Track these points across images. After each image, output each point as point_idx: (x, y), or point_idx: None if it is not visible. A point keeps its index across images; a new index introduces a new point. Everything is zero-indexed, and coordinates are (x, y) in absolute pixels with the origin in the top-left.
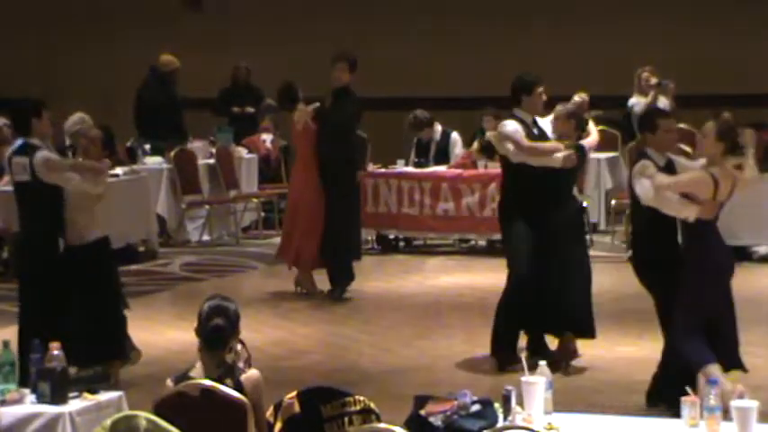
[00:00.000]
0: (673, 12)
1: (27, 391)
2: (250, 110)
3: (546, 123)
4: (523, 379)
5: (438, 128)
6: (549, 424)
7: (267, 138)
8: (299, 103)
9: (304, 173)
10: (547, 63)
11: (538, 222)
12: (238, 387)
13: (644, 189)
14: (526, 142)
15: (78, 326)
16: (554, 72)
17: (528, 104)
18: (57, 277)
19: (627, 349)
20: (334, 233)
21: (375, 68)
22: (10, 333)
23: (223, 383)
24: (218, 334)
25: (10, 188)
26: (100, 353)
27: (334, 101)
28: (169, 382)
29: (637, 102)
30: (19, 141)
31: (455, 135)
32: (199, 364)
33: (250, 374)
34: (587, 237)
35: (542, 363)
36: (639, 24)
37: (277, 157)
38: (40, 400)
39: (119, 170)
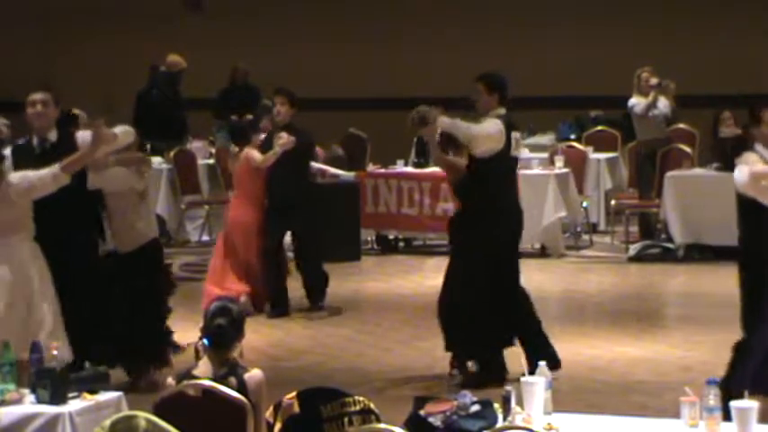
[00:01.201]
0: (672, 11)
1: (26, 391)
2: (248, 117)
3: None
4: (523, 379)
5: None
6: (549, 424)
7: None
8: (252, 141)
9: (246, 207)
10: (546, 64)
11: None
12: (242, 386)
13: (741, 174)
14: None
15: (127, 330)
16: (553, 73)
17: None
18: (102, 282)
19: (626, 349)
20: (309, 241)
21: (374, 68)
22: None
23: (226, 382)
24: (220, 333)
25: None
26: (147, 357)
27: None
28: (171, 381)
29: (636, 102)
30: None
31: None
32: (203, 363)
33: (254, 374)
34: (586, 237)
35: (542, 363)
36: (639, 24)
37: None
38: (40, 400)
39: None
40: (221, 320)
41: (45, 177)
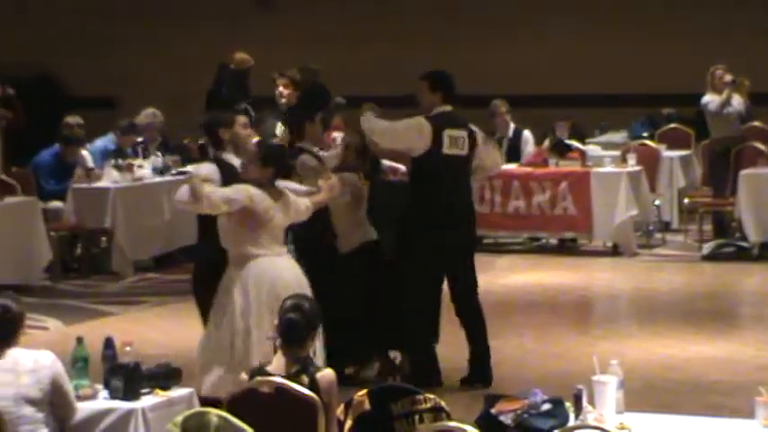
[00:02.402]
0: (748, 6)
1: (100, 386)
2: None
3: None
4: (594, 378)
5: (511, 125)
6: (621, 423)
7: (338, 136)
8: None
9: None
10: (619, 61)
11: None
12: (313, 384)
13: None
14: None
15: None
16: (626, 70)
17: None
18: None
19: (699, 348)
20: None
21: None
22: (87, 329)
23: (298, 380)
24: (291, 328)
25: (84, 185)
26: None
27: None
28: (244, 376)
29: (710, 100)
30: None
31: (527, 133)
32: (276, 359)
33: (325, 373)
34: (659, 235)
35: (614, 362)
36: (713, 21)
37: None
38: (113, 395)
39: (190, 167)
40: (293, 315)
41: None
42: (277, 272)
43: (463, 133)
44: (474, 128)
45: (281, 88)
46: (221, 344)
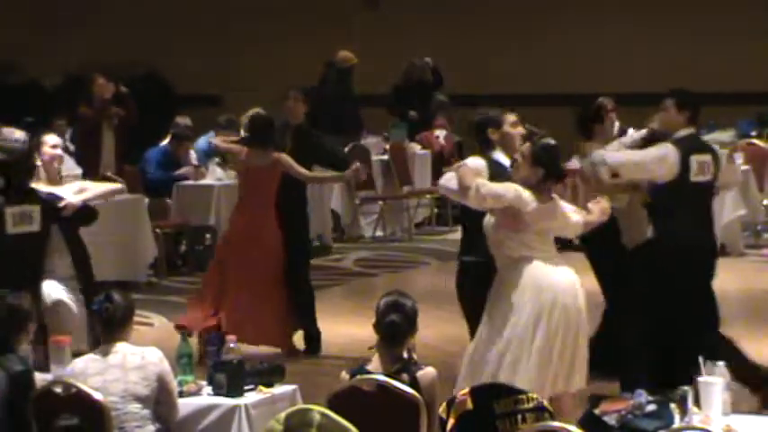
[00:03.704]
0: None
1: (204, 383)
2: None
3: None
4: (701, 379)
5: (616, 123)
6: (728, 426)
7: (441, 134)
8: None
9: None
10: (728, 59)
11: None
12: (414, 383)
13: None
14: None
15: None
16: (735, 68)
17: None
18: None
19: None
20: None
21: (547, 63)
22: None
23: (399, 378)
24: (393, 330)
25: (189, 182)
26: None
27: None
28: (344, 375)
29: None
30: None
31: (632, 131)
32: (375, 359)
33: (426, 371)
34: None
35: (720, 363)
36: None
37: (451, 153)
38: (217, 392)
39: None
40: (394, 317)
41: None
42: (551, 276)
43: (708, 158)
44: (716, 148)
45: (291, 102)
46: (491, 353)
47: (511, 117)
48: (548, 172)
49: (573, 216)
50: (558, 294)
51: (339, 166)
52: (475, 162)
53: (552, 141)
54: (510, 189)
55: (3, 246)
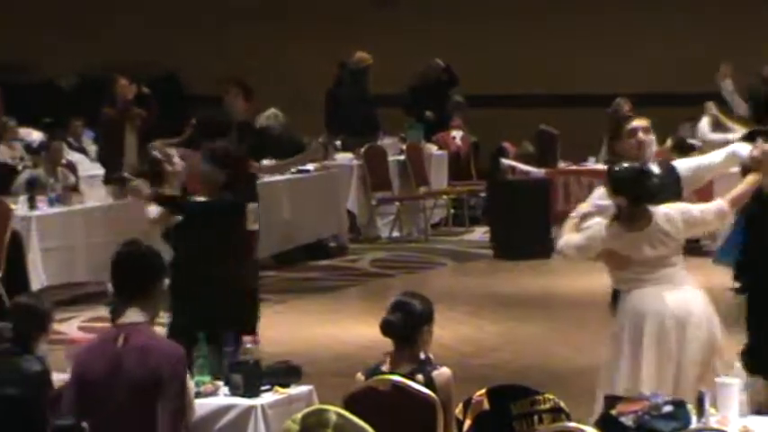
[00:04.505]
0: None
1: (221, 383)
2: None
3: None
4: (718, 380)
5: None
6: (745, 427)
7: (457, 134)
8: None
9: None
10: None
11: None
12: (429, 383)
13: None
14: None
15: None
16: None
17: None
18: None
19: None
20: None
21: (566, 64)
22: None
23: (414, 379)
24: (387, 329)
25: None
26: None
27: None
28: (360, 376)
29: None
30: None
31: None
32: (390, 360)
33: (442, 371)
34: None
35: (737, 364)
36: None
37: (467, 154)
38: (233, 392)
39: (310, 166)
40: (392, 317)
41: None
42: (659, 303)
43: None
44: None
45: (231, 96)
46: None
47: (642, 122)
48: (634, 197)
49: (697, 213)
50: (664, 319)
51: (301, 149)
52: (594, 202)
53: (624, 164)
54: (593, 236)
55: None
